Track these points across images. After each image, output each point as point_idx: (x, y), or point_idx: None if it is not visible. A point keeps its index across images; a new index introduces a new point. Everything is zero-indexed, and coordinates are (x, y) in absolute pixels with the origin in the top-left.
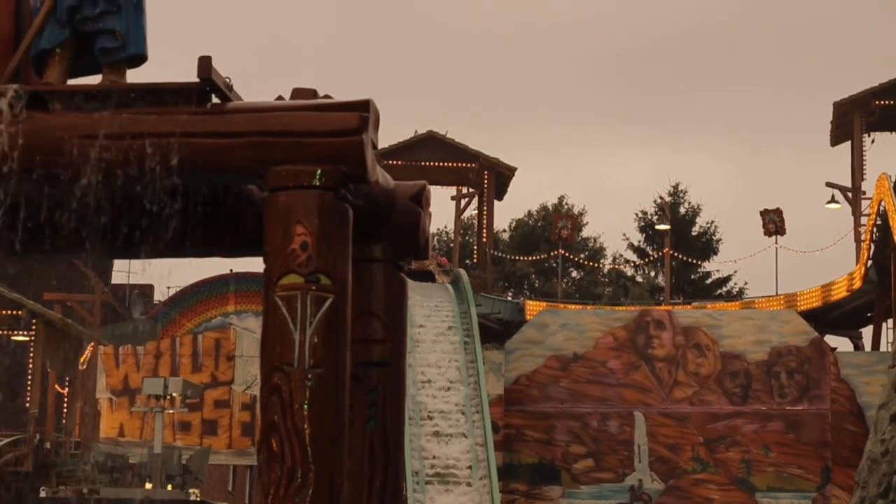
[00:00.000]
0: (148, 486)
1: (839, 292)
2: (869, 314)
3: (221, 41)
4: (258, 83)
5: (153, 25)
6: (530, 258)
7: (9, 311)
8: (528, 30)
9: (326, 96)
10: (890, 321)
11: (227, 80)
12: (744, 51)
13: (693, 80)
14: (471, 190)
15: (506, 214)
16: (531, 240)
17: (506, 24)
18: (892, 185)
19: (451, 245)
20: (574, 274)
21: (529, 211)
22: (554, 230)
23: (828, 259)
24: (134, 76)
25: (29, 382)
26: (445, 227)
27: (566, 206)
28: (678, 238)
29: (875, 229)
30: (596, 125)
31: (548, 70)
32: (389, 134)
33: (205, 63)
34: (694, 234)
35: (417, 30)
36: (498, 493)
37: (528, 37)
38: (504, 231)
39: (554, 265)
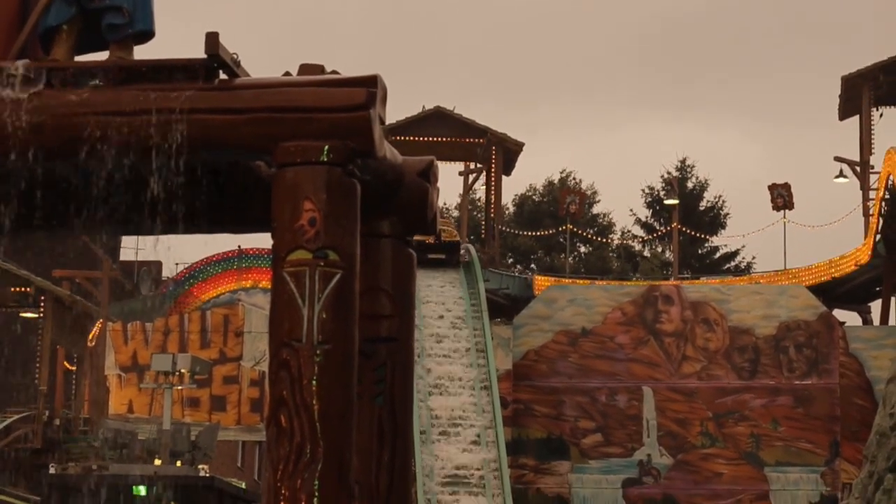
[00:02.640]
0: (157, 462)
1: (847, 267)
2: (877, 288)
3: (236, 18)
4: (271, 61)
5: (182, 5)
6: (537, 233)
7: (18, 289)
8: (546, 10)
9: (334, 72)
10: None
11: (235, 56)
12: (753, 27)
13: (702, 58)
14: (478, 165)
15: (510, 191)
16: (536, 215)
17: (527, 3)
18: None
19: (458, 220)
20: (581, 249)
21: (533, 186)
22: (562, 205)
23: (836, 233)
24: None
25: (38, 359)
26: (445, 203)
27: (572, 181)
28: (685, 213)
29: (883, 203)
30: (604, 104)
31: (558, 50)
32: (399, 109)
33: (212, 39)
34: (701, 208)
35: (440, 9)
36: (507, 468)
37: (544, 17)
38: (507, 207)
39: (560, 241)
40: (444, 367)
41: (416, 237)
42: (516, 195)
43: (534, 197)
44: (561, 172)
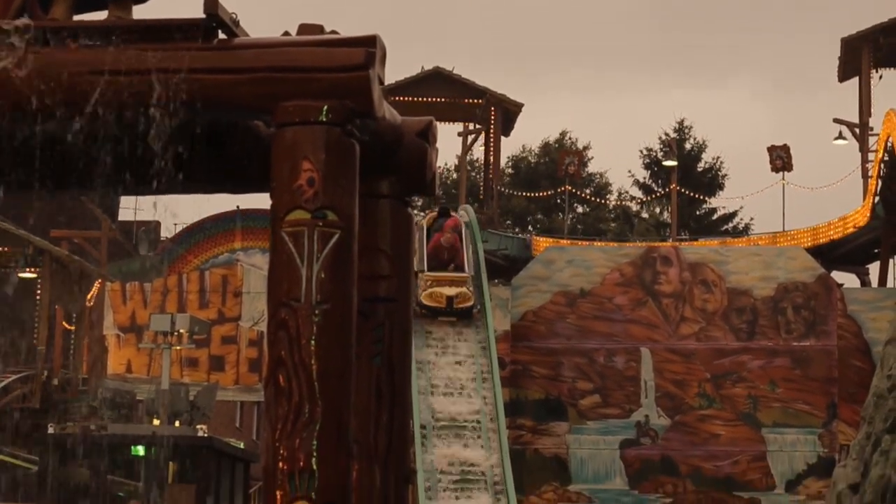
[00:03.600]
0: (155, 422)
1: (846, 228)
2: (876, 250)
3: None
4: (269, 22)
5: None
6: (535, 194)
7: (16, 248)
8: None
9: (333, 32)
10: None
11: (234, 16)
12: None
13: (701, 21)
14: (477, 126)
15: (508, 152)
16: (533, 176)
17: None
18: None
19: (457, 181)
20: (579, 210)
21: (525, 146)
22: (560, 166)
23: (835, 195)
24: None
25: (36, 319)
26: (445, 164)
27: (569, 141)
28: (683, 174)
29: (882, 165)
30: (602, 66)
31: (558, 12)
32: (397, 70)
33: None
34: (700, 169)
35: None
36: (505, 429)
37: None
38: (504, 168)
39: (557, 202)
40: (442, 327)
41: (428, 303)
42: (510, 157)
43: (529, 158)
44: (561, 134)
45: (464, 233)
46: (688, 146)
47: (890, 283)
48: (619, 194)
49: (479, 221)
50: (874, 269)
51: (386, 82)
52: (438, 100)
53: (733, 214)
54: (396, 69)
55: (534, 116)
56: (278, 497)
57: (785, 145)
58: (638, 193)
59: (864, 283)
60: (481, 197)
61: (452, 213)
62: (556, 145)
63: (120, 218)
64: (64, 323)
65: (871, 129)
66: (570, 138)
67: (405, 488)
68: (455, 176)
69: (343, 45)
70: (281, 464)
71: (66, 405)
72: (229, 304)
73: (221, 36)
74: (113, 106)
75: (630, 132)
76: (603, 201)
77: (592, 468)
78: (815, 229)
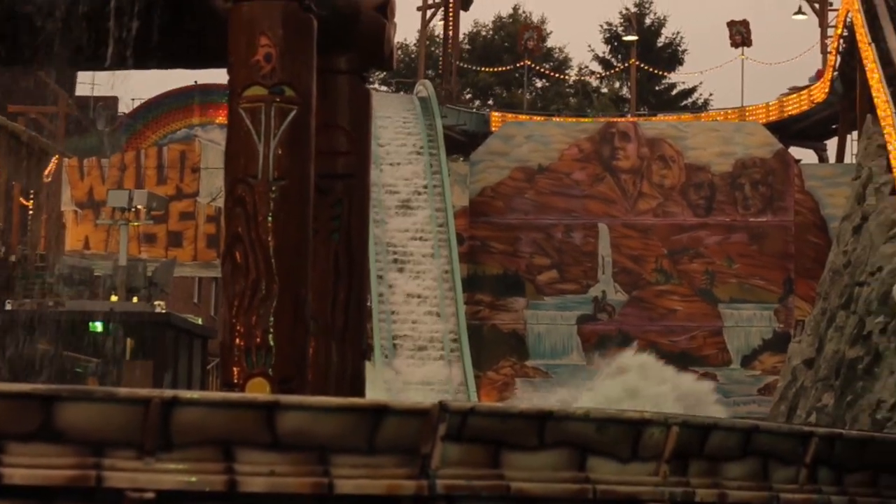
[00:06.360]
0: (113, 298)
1: (804, 104)
2: (834, 126)
3: None
4: None
5: None
6: (495, 69)
7: None
8: None
9: None
10: (854, 133)
11: None
12: None
13: None
14: (436, 0)
15: (465, 27)
16: (490, 51)
17: None
18: None
19: (415, 57)
20: (538, 84)
21: (478, 22)
22: (520, 41)
23: (794, 71)
24: None
25: None
26: (406, 39)
27: (523, 16)
28: (643, 49)
29: (841, 41)
30: None
31: None
32: None
33: None
34: (659, 45)
35: None
36: (463, 305)
37: None
38: (462, 43)
39: (517, 76)
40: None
41: None
42: (464, 33)
43: (483, 33)
44: (514, 9)
45: None
46: (648, 21)
47: (848, 159)
48: (580, 69)
49: (439, 96)
50: (832, 144)
51: None
52: None
53: (692, 90)
54: None
55: None
56: (235, 373)
57: (744, 20)
58: (597, 68)
59: (822, 158)
60: (441, 72)
61: None
62: (510, 20)
63: (77, 93)
64: (21, 199)
65: (831, 4)
66: (523, 12)
67: (362, 364)
68: (414, 51)
69: None
70: (238, 340)
71: (24, 281)
72: (187, 179)
73: None
74: None
75: (590, 6)
76: (562, 76)
77: (549, 343)
78: (773, 104)
